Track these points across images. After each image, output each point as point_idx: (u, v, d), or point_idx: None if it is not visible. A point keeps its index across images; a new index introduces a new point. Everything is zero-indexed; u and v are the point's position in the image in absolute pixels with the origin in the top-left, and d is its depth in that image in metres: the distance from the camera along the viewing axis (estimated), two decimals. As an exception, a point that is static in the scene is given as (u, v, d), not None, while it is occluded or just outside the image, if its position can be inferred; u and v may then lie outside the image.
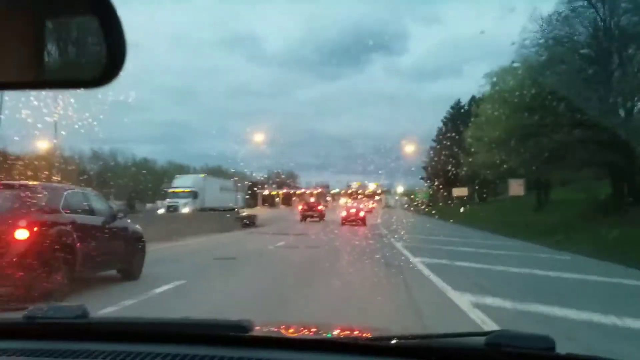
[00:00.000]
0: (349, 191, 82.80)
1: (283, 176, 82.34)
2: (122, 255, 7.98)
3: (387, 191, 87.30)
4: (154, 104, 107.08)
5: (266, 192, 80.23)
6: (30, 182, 7.53)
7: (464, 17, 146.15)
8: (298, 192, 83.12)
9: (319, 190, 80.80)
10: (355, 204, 40.52)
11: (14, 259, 5.77)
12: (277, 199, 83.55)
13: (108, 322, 1.50)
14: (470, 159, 31.78)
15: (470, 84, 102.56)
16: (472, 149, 30.19)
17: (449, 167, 48.72)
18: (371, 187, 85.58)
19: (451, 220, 34.29)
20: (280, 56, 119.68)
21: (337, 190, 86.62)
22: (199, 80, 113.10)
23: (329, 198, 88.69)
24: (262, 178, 76.46)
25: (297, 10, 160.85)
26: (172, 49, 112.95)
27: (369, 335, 1.46)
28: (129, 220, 8.98)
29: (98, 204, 7.98)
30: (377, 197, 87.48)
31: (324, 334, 1.56)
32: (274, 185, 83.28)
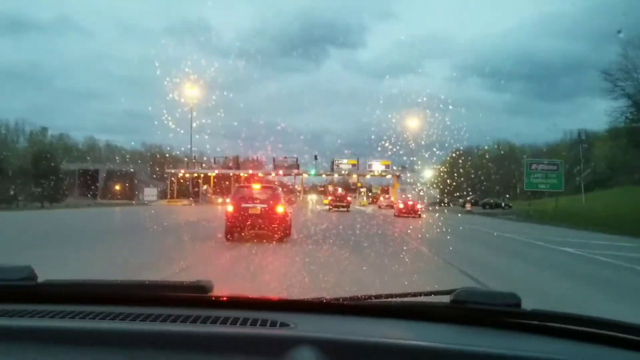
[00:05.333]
0: (335, 174, 56.19)
1: (241, 160, 60.07)
2: (289, 223, 13.65)
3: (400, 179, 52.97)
4: (105, 92, 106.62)
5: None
6: (270, 184, 18.16)
7: (419, 14, 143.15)
8: (243, 173, 53.14)
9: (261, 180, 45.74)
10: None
11: (277, 222, 12.42)
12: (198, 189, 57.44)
13: (56, 283, 1.40)
14: None
15: (428, 81, 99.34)
16: None
17: None
18: (375, 167, 53.21)
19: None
20: (235, 47, 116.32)
21: (312, 171, 55.98)
22: (150, 69, 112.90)
23: (297, 187, 60.65)
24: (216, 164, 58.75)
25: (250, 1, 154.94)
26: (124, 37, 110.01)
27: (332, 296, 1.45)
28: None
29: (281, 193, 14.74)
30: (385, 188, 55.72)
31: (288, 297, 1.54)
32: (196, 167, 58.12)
